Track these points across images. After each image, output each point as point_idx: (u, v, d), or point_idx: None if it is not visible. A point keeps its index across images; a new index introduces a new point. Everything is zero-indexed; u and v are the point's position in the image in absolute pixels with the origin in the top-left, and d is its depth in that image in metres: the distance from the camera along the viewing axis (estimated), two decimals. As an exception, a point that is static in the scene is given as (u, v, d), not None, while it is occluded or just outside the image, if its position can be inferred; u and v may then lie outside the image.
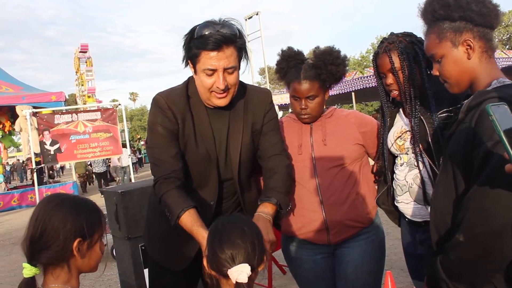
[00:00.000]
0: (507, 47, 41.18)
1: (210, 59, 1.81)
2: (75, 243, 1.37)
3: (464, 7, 1.44)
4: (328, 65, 2.13)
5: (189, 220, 1.82)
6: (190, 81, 2.04)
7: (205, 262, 1.50)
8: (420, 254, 2.11)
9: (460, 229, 1.30)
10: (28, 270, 1.35)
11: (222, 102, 1.92)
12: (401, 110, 2.15)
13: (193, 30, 1.86)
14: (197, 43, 1.81)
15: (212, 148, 2.00)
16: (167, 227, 1.92)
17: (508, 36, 46.03)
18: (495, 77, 1.44)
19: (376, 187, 2.32)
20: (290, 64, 2.22)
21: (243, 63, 1.95)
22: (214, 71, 1.83)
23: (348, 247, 2.25)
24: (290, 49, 2.26)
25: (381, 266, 2.35)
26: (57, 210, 1.38)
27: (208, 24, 1.83)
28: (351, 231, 2.22)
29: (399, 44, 2.00)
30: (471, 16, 1.44)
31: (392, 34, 2.08)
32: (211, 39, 1.78)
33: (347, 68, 2.23)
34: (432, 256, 1.48)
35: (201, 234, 1.76)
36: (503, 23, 44.49)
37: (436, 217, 1.50)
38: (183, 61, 1.95)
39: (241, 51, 1.90)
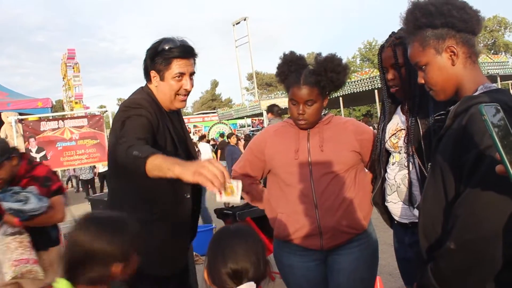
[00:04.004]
0: (491, 52, 41.77)
1: (181, 65, 2.08)
2: (116, 267, 1.37)
3: (445, 14, 1.45)
4: (328, 72, 2.12)
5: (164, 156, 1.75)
6: (147, 91, 2.15)
7: (205, 275, 1.41)
8: (410, 257, 2.08)
9: (451, 236, 1.28)
10: (64, 286, 1.34)
11: (183, 104, 2.20)
12: (399, 107, 2.14)
13: (156, 46, 2.09)
14: (167, 53, 2.06)
15: (184, 147, 2.20)
16: (150, 235, 1.88)
17: (493, 41, 46.75)
18: (481, 83, 1.45)
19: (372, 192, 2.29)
20: (291, 69, 2.22)
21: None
22: (183, 74, 2.10)
23: (340, 254, 2.24)
24: (292, 53, 2.26)
25: (374, 273, 2.34)
26: (98, 233, 1.38)
27: (169, 39, 2.08)
28: (344, 237, 2.21)
29: (406, 40, 1.99)
30: (453, 23, 1.44)
31: (401, 29, 2.04)
32: (181, 49, 2.07)
33: (348, 76, 2.23)
34: (422, 263, 1.46)
35: (177, 161, 1.68)
36: (488, 28, 45.20)
37: (425, 222, 1.48)
38: (145, 73, 2.16)
39: (195, 62, 2.18)
